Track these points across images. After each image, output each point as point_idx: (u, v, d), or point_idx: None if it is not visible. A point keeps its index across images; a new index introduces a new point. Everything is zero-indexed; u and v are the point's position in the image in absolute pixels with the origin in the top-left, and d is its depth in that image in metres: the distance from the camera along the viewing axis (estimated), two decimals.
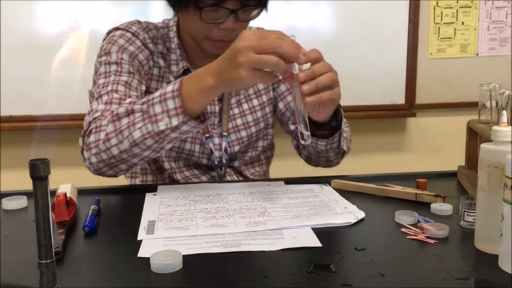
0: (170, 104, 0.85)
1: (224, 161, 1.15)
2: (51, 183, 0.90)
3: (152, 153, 0.92)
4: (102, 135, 0.90)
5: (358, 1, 2.36)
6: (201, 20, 0.99)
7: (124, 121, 0.89)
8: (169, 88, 0.86)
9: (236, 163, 1.19)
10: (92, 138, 0.92)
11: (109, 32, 1.13)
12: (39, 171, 0.46)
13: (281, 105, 1.20)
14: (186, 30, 1.10)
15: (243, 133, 1.17)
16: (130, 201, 0.93)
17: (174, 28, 1.13)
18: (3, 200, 0.88)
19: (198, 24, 1.01)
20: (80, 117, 1.05)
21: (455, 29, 2.51)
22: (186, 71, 1.10)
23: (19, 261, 0.66)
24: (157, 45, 1.13)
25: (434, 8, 2.47)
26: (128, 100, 0.96)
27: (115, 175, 0.98)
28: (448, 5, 2.48)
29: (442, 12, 2.48)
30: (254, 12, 1.03)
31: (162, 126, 0.85)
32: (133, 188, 1.00)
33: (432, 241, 0.69)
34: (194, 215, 0.82)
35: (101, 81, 1.03)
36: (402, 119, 2.52)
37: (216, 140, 1.14)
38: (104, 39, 1.12)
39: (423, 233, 0.72)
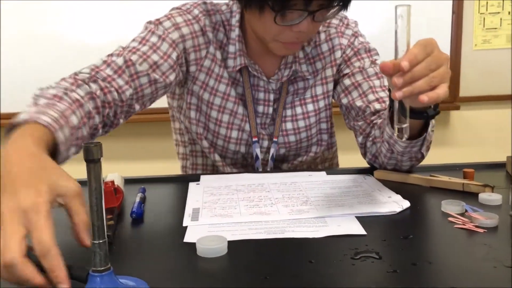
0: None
1: (269, 169, 1.11)
2: None
3: None
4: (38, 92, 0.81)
5: None
6: (274, 22, 0.91)
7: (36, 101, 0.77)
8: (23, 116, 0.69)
9: (284, 166, 1.15)
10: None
11: (171, 10, 1.08)
12: (92, 154, 0.48)
13: (345, 100, 1.09)
14: (251, 27, 1.02)
15: (292, 138, 1.10)
16: (174, 190, 0.95)
17: (237, 16, 1.04)
18: None
19: (268, 25, 0.93)
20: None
21: (501, 19, 2.44)
22: (243, 69, 1.06)
23: (70, 245, 0.68)
24: (218, 32, 1.05)
25: None
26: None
27: None
28: None
29: (487, 2, 2.41)
30: (332, 11, 0.95)
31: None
32: (176, 178, 1.02)
33: (481, 230, 0.68)
34: (237, 203, 0.83)
35: (133, 44, 0.98)
36: (446, 112, 2.47)
37: (265, 143, 1.10)
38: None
39: (471, 222, 0.70)
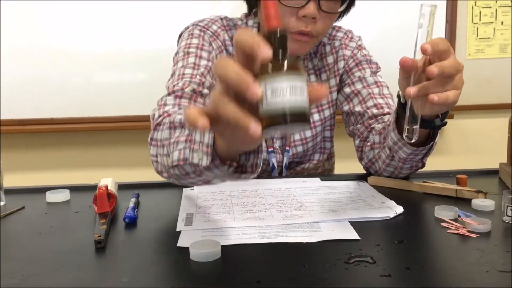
0: (206, 137, 0.64)
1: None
2: (93, 179, 0.93)
3: (202, 182, 0.73)
4: (158, 136, 0.81)
5: (392, 2, 2.33)
6: (280, 3, 0.93)
7: (173, 133, 0.77)
8: None
9: (286, 172, 1.16)
10: (155, 134, 0.83)
11: (187, 28, 1.10)
12: None
13: (346, 108, 1.12)
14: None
15: (299, 149, 1.13)
16: (168, 196, 0.94)
17: (255, 30, 1.09)
18: (47, 193, 0.91)
19: None
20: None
21: (494, 29, 2.46)
22: None
23: (61, 249, 0.68)
24: (232, 47, 1.09)
25: (472, 8, 2.43)
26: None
27: (174, 183, 0.82)
28: (486, 5, 2.44)
29: (480, 12, 2.44)
30: (339, 6, 0.98)
31: (195, 159, 0.65)
32: (170, 184, 1.01)
33: (474, 235, 0.68)
34: (231, 208, 0.82)
35: (177, 72, 1.01)
36: None
37: (275, 156, 1.11)
38: (180, 35, 1.10)
39: (464, 227, 0.70)
